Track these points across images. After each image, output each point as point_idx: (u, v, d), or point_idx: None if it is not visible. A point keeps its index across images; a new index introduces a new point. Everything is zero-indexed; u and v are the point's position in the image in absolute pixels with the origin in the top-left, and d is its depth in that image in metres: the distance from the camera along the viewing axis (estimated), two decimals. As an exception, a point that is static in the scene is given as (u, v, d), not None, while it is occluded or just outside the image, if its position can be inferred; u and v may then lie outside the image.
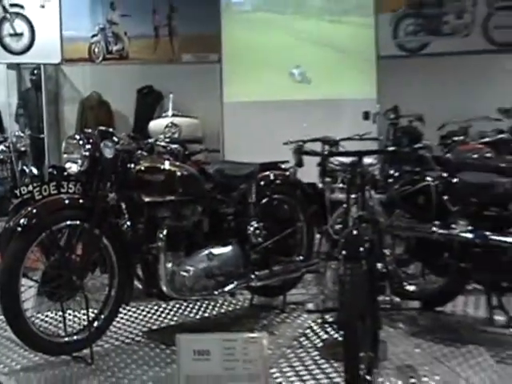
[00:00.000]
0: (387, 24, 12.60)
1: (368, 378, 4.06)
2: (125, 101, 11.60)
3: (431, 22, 12.71)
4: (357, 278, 3.78)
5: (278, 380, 4.58)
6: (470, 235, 5.40)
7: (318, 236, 6.40)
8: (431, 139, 9.65)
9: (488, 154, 5.90)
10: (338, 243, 4.15)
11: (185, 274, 5.32)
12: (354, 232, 4.04)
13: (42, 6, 10.97)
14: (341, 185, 6.52)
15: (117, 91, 11.54)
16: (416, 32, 12.70)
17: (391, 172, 6.12)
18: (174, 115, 10.62)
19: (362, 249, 3.90)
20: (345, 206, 4.89)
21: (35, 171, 9.51)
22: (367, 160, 4.76)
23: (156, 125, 10.35)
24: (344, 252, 3.88)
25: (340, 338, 4.00)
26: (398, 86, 11.97)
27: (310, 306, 6.09)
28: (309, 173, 7.01)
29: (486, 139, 8.70)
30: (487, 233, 5.33)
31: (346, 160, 4.65)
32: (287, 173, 6.33)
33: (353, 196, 4.49)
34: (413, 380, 4.57)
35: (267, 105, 11.13)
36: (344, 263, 3.84)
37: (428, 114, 10.94)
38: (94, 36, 11.49)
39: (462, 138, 8.63)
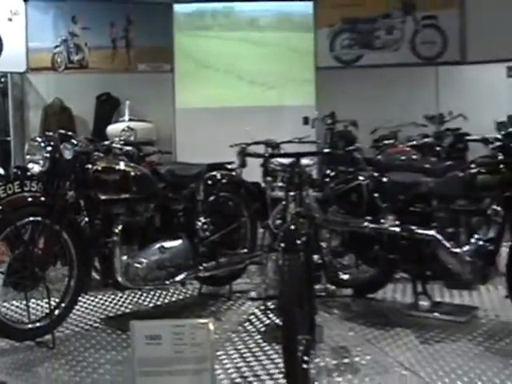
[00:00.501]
0: (325, 38, 12.67)
1: (305, 358, 4.06)
2: (85, 107, 11.48)
3: (364, 36, 12.82)
4: (294, 268, 3.78)
5: (224, 362, 4.57)
6: (397, 229, 5.46)
7: (261, 230, 6.40)
8: (364, 142, 9.74)
9: (414, 156, 5.95)
10: (278, 237, 4.16)
11: (138, 265, 5.30)
12: (292, 226, 4.04)
13: (10, 20, 10.84)
14: (280, 184, 6.54)
15: (77, 98, 11.42)
16: (351, 46, 12.79)
17: (327, 172, 6.15)
18: (130, 120, 10.56)
19: (299, 242, 3.90)
20: (284, 203, 4.91)
21: (2, 171, 9.37)
22: (305, 161, 4.79)
23: (113, 129, 10.27)
24: (283, 244, 3.88)
25: (280, 323, 4.00)
26: (334, 94, 12.02)
27: (253, 294, 6.10)
28: (253, 173, 7.03)
29: (413, 143, 8.80)
30: (413, 227, 5.39)
31: (286, 161, 4.66)
32: (233, 173, 6.34)
33: (291, 194, 4.50)
34: (346, 360, 4.60)
35: (215, 111, 11.15)
36: (283, 255, 3.84)
37: (362, 120, 11.05)
38: (56, 47, 11.37)
39: (391, 141, 8.72)
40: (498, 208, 5.30)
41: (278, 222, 5.42)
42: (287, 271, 3.77)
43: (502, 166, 5.14)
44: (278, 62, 12.01)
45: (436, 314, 5.53)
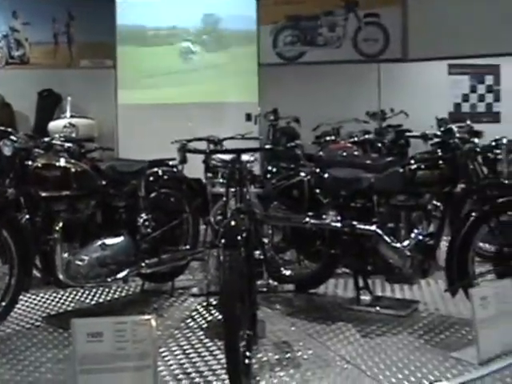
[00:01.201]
0: (268, 35, 12.70)
1: (247, 354, 4.08)
2: (26, 103, 11.35)
3: (307, 33, 12.90)
4: (235, 264, 3.79)
5: (167, 358, 4.56)
6: (338, 225, 5.50)
7: (203, 226, 6.40)
8: (307, 139, 9.82)
9: (355, 153, 6.01)
10: (219, 233, 4.16)
11: (80, 263, 5.24)
12: (232, 222, 4.04)
13: None
14: (221, 180, 6.55)
15: (19, 94, 11.27)
16: (293, 42, 12.87)
17: (269, 168, 6.16)
18: (71, 116, 10.46)
19: (239, 238, 3.90)
20: (224, 199, 4.92)
21: None
22: (246, 157, 4.79)
23: (55, 125, 10.16)
24: (223, 241, 3.88)
25: (222, 319, 4.00)
26: (277, 90, 12.06)
27: (195, 290, 6.09)
28: (195, 169, 7.03)
29: (354, 139, 8.88)
30: (354, 222, 5.43)
31: (226, 157, 4.66)
32: (174, 169, 6.32)
33: (232, 190, 4.51)
34: (288, 355, 4.61)
35: (158, 107, 11.14)
36: (223, 251, 3.85)
37: (304, 116, 11.10)
38: (-4, 42, 11.25)
39: (333, 137, 8.78)
40: (438, 203, 5.39)
41: (219, 218, 5.42)
42: (228, 267, 3.77)
43: (440, 161, 5.22)
44: (220, 58, 12.00)
45: (377, 308, 5.58)
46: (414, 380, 4.18)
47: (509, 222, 5.13)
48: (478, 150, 5.30)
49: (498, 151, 6.42)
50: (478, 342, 4.44)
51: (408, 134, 8.62)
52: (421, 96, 13.72)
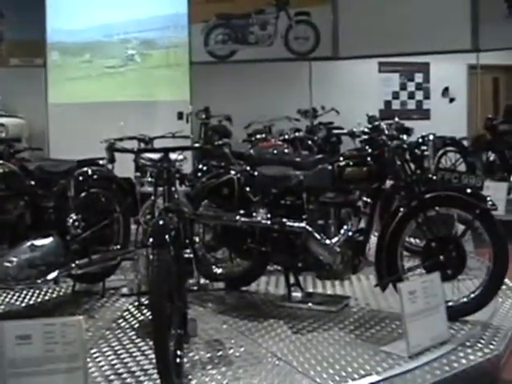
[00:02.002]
0: (199, 33, 12.70)
1: (179, 352, 4.08)
2: (-47, 103, 11.16)
3: (238, 32, 12.93)
4: (163, 263, 3.77)
5: (98, 359, 4.50)
6: (268, 222, 5.52)
7: (134, 226, 6.35)
8: (239, 137, 9.84)
9: (286, 150, 6.02)
10: (147, 232, 4.14)
11: (8, 264, 5.14)
12: (160, 222, 4.02)
13: None
14: (150, 179, 6.51)
15: None
16: (225, 41, 12.90)
17: (199, 167, 6.15)
18: (0, 116, 10.28)
19: (167, 237, 3.89)
20: (153, 198, 4.89)
21: None
22: (176, 156, 4.75)
23: (-16, 125, 9.98)
24: (151, 240, 3.87)
25: (152, 318, 3.98)
26: (209, 89, 12.08)
27: (125, 290, 6.04)
28: (127, 168, 6.99)
29: (285, 137, 8.93)
30: (284, 220, 5.45)
31: (155, 156, 4.63)
32: (104, 168, 6.26)
33: (160, 189, 4.49)
34: (220, 352, 4.61)
35: (89, 106, 11.03)
36: (152, 250, 3.83)
37: (236, 114, 11.14)
38: None
39: (263, 135, 8.82)
40: (368, 199, 5.45)
41: (148, 217, 5.39)
42: (156, 266, 3.76)
43: (368, 158, 5.28)
44: (152, 56, 11.95)
45: (308, 304, 5.61)
46: (345, 375, 4.21)
47: (436, 217, 5.21)
48: (405, 146, 5.36)
49: (424, 148, 6.51)
50: (407, 335, 4.50)
51: (336, 131, 8.73)
52: (352, 93, 13.88)
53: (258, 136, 8.77)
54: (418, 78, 15.91)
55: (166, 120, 10.91)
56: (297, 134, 9.71)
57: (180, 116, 11.19)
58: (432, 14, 12.44)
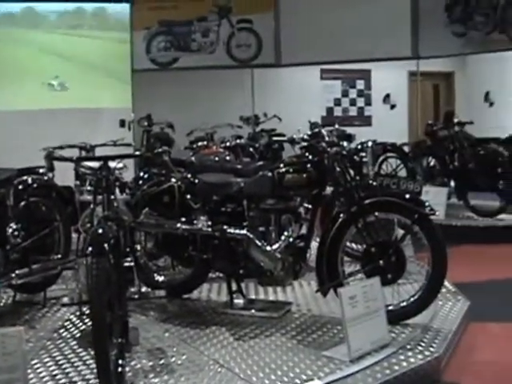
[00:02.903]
0: (141, 40, 12.66)
1: (120, 361, 4.04)
2: None
3: (180, 39, 12.92)
4: (102, 271, 3.74)
5: (39, 370, 4.44)
6: (209, 229, 5.52)
7: (75, 235, 6.29)
8: (182, 144, 9.82)
9: (227, 157, 6.03)
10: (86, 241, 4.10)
11: None
12: (99, 230, 3.99)
13: None
14: (89, 187, 6.47)
15: None
16: (167, 48, 12.88)
17: (141, 174, 6.12)
18: None
19: (106, 245, 3.87)
20: (92, 206, 4.86)
21: None
22: (117, 164, 4.72)
23: None
24: (90, 249, 3.84)
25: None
26: (151, 96, 12.05)
27: (66, 299, 5.98)
28: (68, 176, 6.94)
29: (226, 144, 8.94)
30: (225, 227, 5.45)
31: (95, 164, 4.60)
32: (44, 177, 6.19)
33: (99, 197, 4.46)
34: (162, 361, 4.59)
35: (29, 114, 10.89)
36: (91, 259, 3.80)
37: (179, 122, 11.12)
38: None
39: (205, 142, 8.82)
40: (308, 206, 5.48)
41: (88, 225, 5.34)
42: (95, 275, 3.73)
43: (308, 165, 5.31)
44: (93, 64, 11.87)
45: (251, 311, 5.62)
46: (287, 380, 4.23)
47: (375, 222, 5.27)
48: (345, 153, 5.41)
49: (363, 154, 6.58)
50: (348, 339, 4.54)
51: (276, 138, 8.76)
52: (294, 100, 13.99)
53: (200, 143, 8.77)
54: (360, 84, 16.10)
55: (108, 128, 10.85)
56: (238, 141, 9.74)
57: (122, 123, 11.14)
58: (373, 21, 12.57)
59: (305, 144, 5.50)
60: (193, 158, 5.98)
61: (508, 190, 9.56)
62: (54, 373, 4.39)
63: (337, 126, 7.52)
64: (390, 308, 5.14)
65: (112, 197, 4.38)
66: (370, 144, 6.63)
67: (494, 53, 12.87)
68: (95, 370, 3.82)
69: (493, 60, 14.61)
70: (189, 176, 5.76)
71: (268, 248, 5.34)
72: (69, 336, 5.15)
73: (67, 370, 4.43)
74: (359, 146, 6.75)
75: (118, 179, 5.33)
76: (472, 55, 14.03)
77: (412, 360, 4.55)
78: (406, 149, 11.33)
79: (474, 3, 11.97)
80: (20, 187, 5.82)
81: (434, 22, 12.39)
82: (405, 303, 5.23)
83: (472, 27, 12.07)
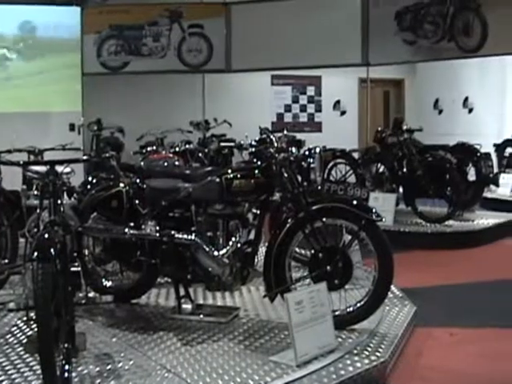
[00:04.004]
0: (92, 44, 12.61)
1: (67, 367, 4.03)
2: None
3: (131, 43, 12.89)
4: (47, 276, 3.73)
5: (-15, 376, 4.42)
6: (157, 234, 5.52)
7: (23, 240, 6.25)
8: (132, 149, 9.79)
9: (176, 163, 6.03)
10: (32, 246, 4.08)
11: None
12: (45, 235, 3.98)
13: None
14: (36, 192, 6.43)
15: None
16: (117, 52, 12.83)
17: (89, 179, 6.10)
18: None
19: (52, 250, 3.85)
20: (38, 211, 4.84)
21: None
22: (64, 169, 4.71)
23: None
24: (36, 253, 3.82)
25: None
26: (101, 100, 12.02)
27: (12, 305, 5.90)
28: (17, 181, 6.90)
29: (176, 149, 8.94)
30: (172, 232, 5.45)
31: (42, 169, 4.58)
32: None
33: (46, 202, 4.44)
34: (109, 366, 4.57)
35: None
36: (37, 264, 3.79)
37: (129, 126, 11.09)
38: None
39: (154, 147, 8.81)
40: (256, 211, 5.51)
41: (35, 230, 5.31)
42: (41, 280, 3.71)
43: (256, 171, 5.34)
44: (43, 67, 11.79)
45: (199, 316, 5.62)
46: (234, 385, 4.25)
47: (323, 228, 5.32)
48: (292, 159, 5.44)
49: (311, 160, 6.62)
50: (295, 345, 4.57)
51: (224, 143, 8.77)
52: (245, 106, 14.04)
53: (149, 148, 8.75)
54: (310, 91, 16.21)
55: (59, 131, 10.79)
56: (188, 146, 9.74)
57: (72, 127, 11.09)
58: (324, 28, 12.68)
59: (253, 150, 5.52)
60: (142, 163, 5.97)
61: (455, 196, 9.71)
62: (0, 379, 4.35)
63: (286, 132, 7.57)
64: (337, 313, 5.19)
65: (59, 201, 4.37)
66: (318, 150, 6.67)
67: (444, 61, 13.08)
68: (41, 376, 3.80)
69: (442, 68, 14.87)
70: (137, 181, 5.75)
71: (216, 253, 5.35)
72: (15, 342, 5.10)
73: (13, 376, 4.39)
74: (307, 152, 6.78)
75: (65, 184, 5.31)
76: (422, 63, 14.22)
77: (358, 365, 4.60)
78: (355, 155, 11.44)
79: (424, 12, 12.14)
80: (-34, 192, 5.79)
81: (384, 30, 12.53)
82: (352, 308, 5.28)
83: (422, 35, 12.24)
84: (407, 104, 17.12)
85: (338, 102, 16.48)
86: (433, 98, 16.57)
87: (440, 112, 16.66)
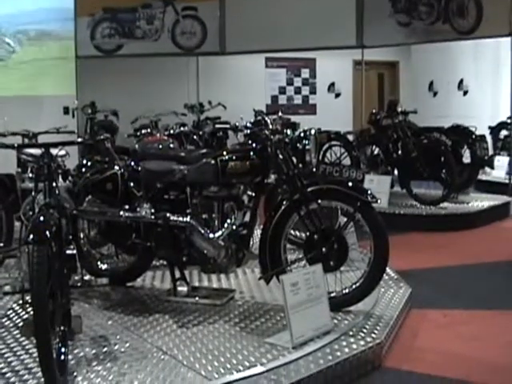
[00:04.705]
0: (85, 27, 12.56)
1: (63, 350, 4.05)
2: None
3: (125, 26, 12.85)
4: (43, 259, 3.73)
5: (-20, 359, 4.42)
6: (152, 217, 5.52)
7: (18, 223, 6.25)
8: (126, 131, 9.78)
9: (171, 145, 6.02)
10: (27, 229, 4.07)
11: None
12: (40, 218, 3.97)
13: None
14: (30, 174, 6.42)
15: None
16: (111, 35, 12.79)
17: (84, 162, 6.08)
18: None
19: (47, 233, 3.85)
20: (33, 194, 4.82)
21: None
22: (59, 151, 4.69)
23: None
24: (31, 236, 3.82)
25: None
26: (95, 83, 11.99)
27: (7, 288, 5.90)
28: (11, 164, 6.89)
29: (170, 132, 8.93)
30: (168, 214, 5.45)
31: (36, 152, 4.57)
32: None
33: (40, 185, 4.44)
34: (105, 349, 4.58)
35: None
36: (32, 247, 3.78)
37: (124, 109, 11.08)
38: None
39: (148, 130, 8.80)
40: (251, 193, 5.51)
41: (30, 213, 5.30)
42: (36, 263, 3.71)
43: (251, 152, 5.33)
44: (36, 50, 11.73)
45: (194, 298, 5.64)
46: (230, 367, 4.26)
47: (318, 210, 5.32)
48: (288, 140, 5.44)
49: (306, 142, 6.63)
50: (291, 326, 4.58)
51: (219, 126, 8.75)
52: (239, 88, 14.02)
53: (144, 131, 8.74)
54: (305, 73, 16.19)
55: (52, 115, 10.75)
56: (182, 128, 9.73)
57: (66, 111, 11.06)
58: (318, 10, 12.65)
59: (248, 132, 5.51)
60: (136, 146, 5.96)
61: (450, 178, 9.72)
62: (-4, 362, 4.37)
63: (280, 114, 7.56)
64: (333, 295, 5.22)
65: (54, 184, 4.37)
66: (313, 132, 6.66)
67: (438, 43, 13.05)
68: (37, 359, 3.81)
69: (437, 50, 14.84)
70: (132, 163, 5.75)
71: (211, 235, 5.36)
72: (11, 325, 5.10)
73: (10, 359, 4.39)
74: (302, 134, 6.78)
75: (60, 166, 5.29)
76: (416, 45, 14.18)
77: (354, 346, 4.62)
78: (350, 137, 11.44)
79: (419, -7, 12.13)
80: (-41, 175, 5.77)
81: (378, 12, 12.52)
82: (347, 290, 5.31)
83: (416, 17, 12.22)
84: (402, 86, 17.11)
85: (332, 84, 16.47)
86: (427, 80, 16.55)
87: (435, 94, 16.65)
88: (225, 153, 5.37)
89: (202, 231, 5.36)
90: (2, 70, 11.49)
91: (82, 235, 5.97)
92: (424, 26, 12.12)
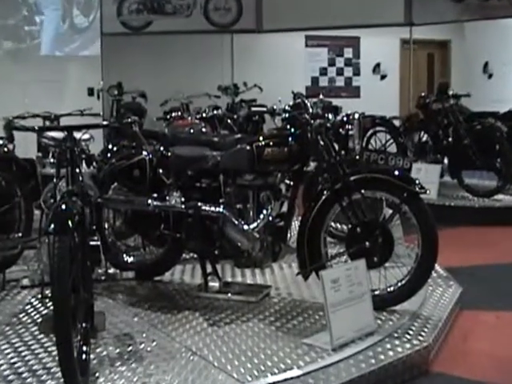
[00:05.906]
0: (111, 2, 12.59)
1: (85, 348, 4.06)
2: None
3: (154, 1, 12.84)
4: (65, 251, 3.73)
5: (-4, 358, 4.45)
6: (183, 206, 5.52)
7: (37, 212, 6.28)
8: (155, 114, 9.80)
9: (203, 129, 6.01)
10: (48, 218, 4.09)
11: None
12: (63, 206, 3.98)
13: None
14: (52, 159, 6.44)
15: None
16: (139, 11, 12.80)
17: (109, 146, 6.10)
18: None
19: (70, 222, 3.85)
20: (55, 180, 4.84)
21: None
22: (82, 135, 4.70)
23: None
24: (52, 226, 3.82)
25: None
26: (122, 63, 12.01)
27: (25, 281, 5.94)
28: (32, 148, 6.92)
29: (203, 115, 8.92)
30: (199, 204, 5.45)
31: (59, 135, 4.58)
32: (4, 148, 6.17)
33: (63, 170, 4.45)
34: (130, 348, 4.59)
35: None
36: (53, 237, 3.79)
37: (152, 91, 11.08)
38: None
39: (179, 113, 8.79)
40: (289, 182, 5.49)
41: (51, 201, 5.32)
42: (57, 255, 3.72)
43: (290, 138, 5.30)
44: (59, 27, 11.81)
45: (226, 294, 5.63)
46: (265, 369, 4.24)
47: (361, 200, 5.28)
48: (329, 125, 5.39)
49: (349, 127, 6.58)
50: (331, 326, 4.56)
51: (255, 109, 8.72)
52: (277, 69, 13.98)
53: (174, 114, 8.74)
54: (348, 53, 16.11)
55: (76, 96, 10.81)
56: (216, 112, 9.71)
57: (90, 92, 11.11)
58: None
59: (286, 116, 5.48)
60: (166, 130, 5.96)
61: (506, 168, 9.61)
62: (13, 361, 4.38)
63: (321, 97, 7.52)
64: (376, 293, 5.18)
65: (77, 170, 4.37)
66: (356, 116, 6.61)
67: (494, 20, 12.91)
68: (57, 358, 3.82)
69: (493, 28, 14.66)
70: (161, 149, 5.74)
71: (245, 227, 5.34)
72: (29, 321, 5.14)
73: (27, 358, 4.42)
74: (345, 119, 6.73)
75: (84, 151, 5.32)
76: (470, 22, 14.04)
77: (399, 349, 4.58)
78: (396, 123, 11.37)
79: (474, -34, 12.00)
80: (-24, 160, 5.81)
81: (429, -14, 12.42)
82: (392, 288, 5.26)
83: (471, -8, 12.10)
84: (453, 67, 16.98)
85: (377, 65, 16.38)
86: (482, 60, 16.40)
87: (490, 76, 16.50)
88: (261, 138, 5.35)
89: (236, 222, 5.34)
90: (25, 52, 11.59)
91: (106, 225, 5.99)
92: (479, 1, 11.99)
